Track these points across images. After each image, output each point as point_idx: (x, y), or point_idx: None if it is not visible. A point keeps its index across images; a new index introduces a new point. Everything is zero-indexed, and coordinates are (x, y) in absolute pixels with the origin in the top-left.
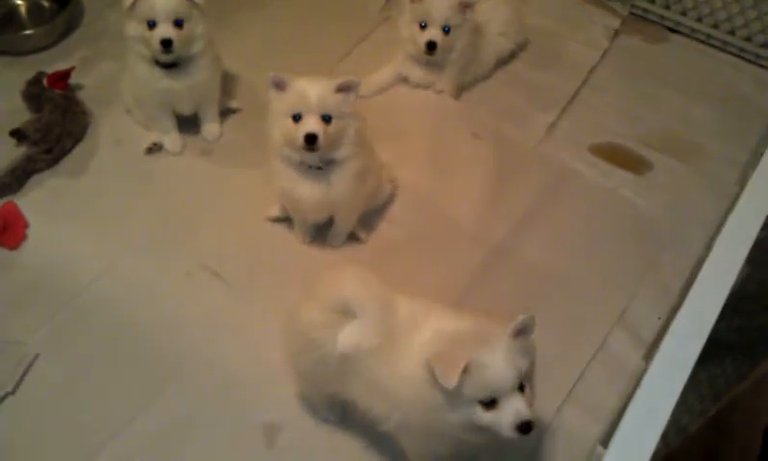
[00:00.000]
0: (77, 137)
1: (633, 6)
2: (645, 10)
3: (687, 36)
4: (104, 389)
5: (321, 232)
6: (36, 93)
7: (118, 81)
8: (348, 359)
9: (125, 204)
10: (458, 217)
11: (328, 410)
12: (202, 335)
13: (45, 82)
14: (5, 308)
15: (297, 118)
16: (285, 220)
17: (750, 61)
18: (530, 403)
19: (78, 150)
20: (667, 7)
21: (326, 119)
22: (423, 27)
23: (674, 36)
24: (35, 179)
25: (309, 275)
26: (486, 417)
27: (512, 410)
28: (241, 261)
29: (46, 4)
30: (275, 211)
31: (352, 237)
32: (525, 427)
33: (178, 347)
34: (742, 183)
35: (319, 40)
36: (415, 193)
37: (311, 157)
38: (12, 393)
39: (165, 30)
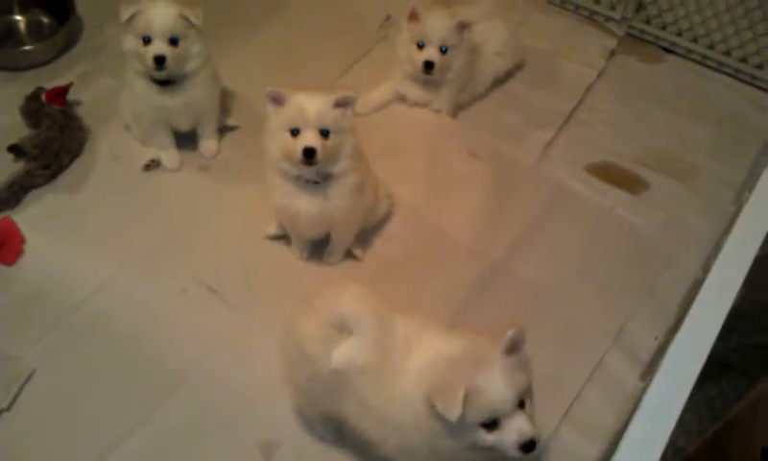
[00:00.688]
0: (75, 153)
1: (629, 26)
2: (641, 30)
3: (683, 56)
4: (100, 405)
5: (318, 250)
6: (34, 109)
7: (116, 97)
8: (342, 376)
9: (122, 219)
10: (455, 235)
11: (324, 428)
12: (198, 352)
13: (44, 97)
14: (1, 324)
15: (295, 133)
16: (283, 237)
17: (745, 82)
18: (531, 418)
19: (75, 166)
20: (663, 27)
21: (324, 134)
22: (421, 47)
23: (670, 57)
24: (32, 194)
25: (306, 292)
26: (489, 438)
27: (514, 429)
28: (238, 277)
29: (45, 20)
30: (272, 229)
31: (349, 255)
32: (529, 446)
33: (174, 363)
34: (738, 203)
35: (317, 58)
36: (412, 211)
37: (309, 172)
38: (8, 409)
39: (159, 47)
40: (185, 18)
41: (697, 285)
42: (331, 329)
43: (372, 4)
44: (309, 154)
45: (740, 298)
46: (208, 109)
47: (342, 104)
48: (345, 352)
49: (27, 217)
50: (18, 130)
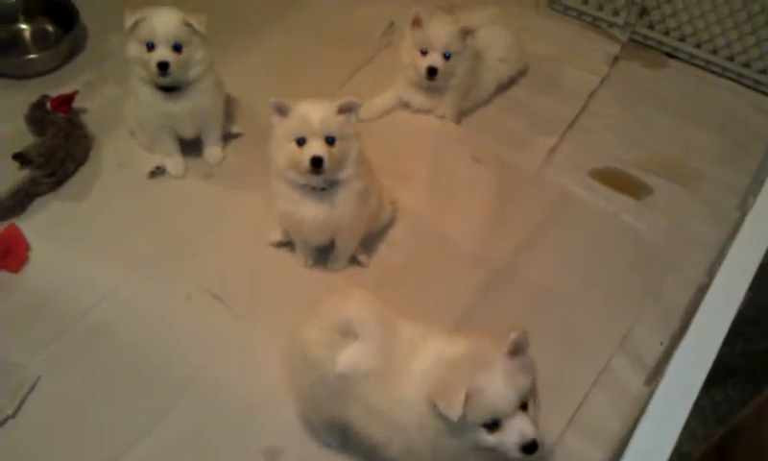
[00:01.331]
0: (80, 161)
1: (632, 32)
2: (644, 36)
3: (686, 61)
4: (105, 412)
5: (322, 256)
6: (39, 117)
7: (121, 104)
8: (346, 381)
9: (127, 227)
10: (459, 241)
11: (329, 434)
12: (203, 358)
13: (49, 105)
14: (7, 331)
15: (300, 142)
16: (287, 244)
17: (748, 87)
18: (535, 421)
19: (81, 173)
20: (666, 33)
21: (330, 141)
22: (424, 53)
23: (673, 62)
24: (37, 202)
25: (310, 298)
26: (490, 439)
27: (516, 431)
28: (242, 284)
29: (50, 28)
30: (276, 236)
31: (353, 261)
32: (530, 447)
33: (179, 370)
34: (742, 208)
35: (320, 65)
36: (416, 216)
37: (316, 180)
38: (13, 416)
39: (163, 53)
40: (189, 25)
41: (702, 290)
42: (335, 334)
43: (375, 11)
44: (317, 163)
45: (746, 303)
46: (212, 116)
47: (345, 109)
48: (349, 357)
49: (32, 225)
50: (23, 137)
